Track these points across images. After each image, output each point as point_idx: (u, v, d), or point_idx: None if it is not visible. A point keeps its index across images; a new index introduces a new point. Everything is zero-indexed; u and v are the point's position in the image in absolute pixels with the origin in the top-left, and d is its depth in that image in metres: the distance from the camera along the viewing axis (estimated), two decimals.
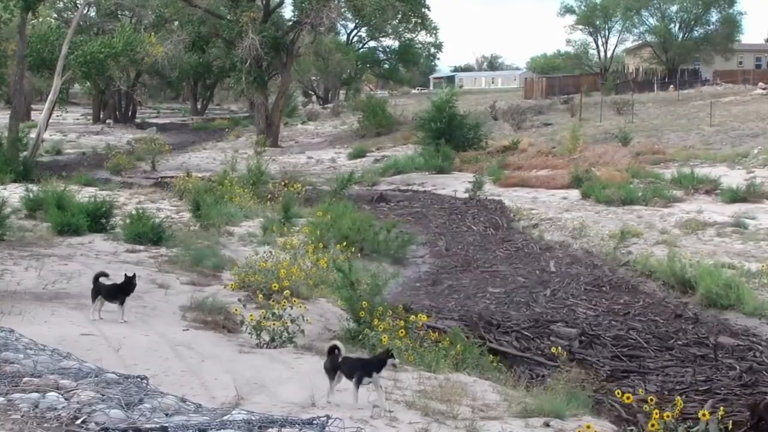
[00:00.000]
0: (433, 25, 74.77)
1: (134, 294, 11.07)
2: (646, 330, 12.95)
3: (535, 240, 21.42)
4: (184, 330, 9.99)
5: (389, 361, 7.42)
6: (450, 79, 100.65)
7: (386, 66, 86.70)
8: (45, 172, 31.13)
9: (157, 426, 4.29)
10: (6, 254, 13.78)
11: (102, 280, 10.27)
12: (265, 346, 9.63)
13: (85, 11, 45.62)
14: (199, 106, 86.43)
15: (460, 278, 17.35)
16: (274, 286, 11.55)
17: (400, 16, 67.05)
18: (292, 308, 10.09)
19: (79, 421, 4.32)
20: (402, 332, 9.97)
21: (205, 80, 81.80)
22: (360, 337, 10.14)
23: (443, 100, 41.97)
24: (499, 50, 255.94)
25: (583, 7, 78.08)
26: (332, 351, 7.54)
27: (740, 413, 9.07)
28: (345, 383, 7.46)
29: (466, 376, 9.09)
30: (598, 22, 78.28)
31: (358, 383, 7.29)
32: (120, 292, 10.18)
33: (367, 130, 52.72)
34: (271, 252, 15.04)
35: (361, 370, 7.34)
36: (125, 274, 10.38)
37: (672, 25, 75.60)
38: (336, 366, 7.43)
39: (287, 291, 10.92)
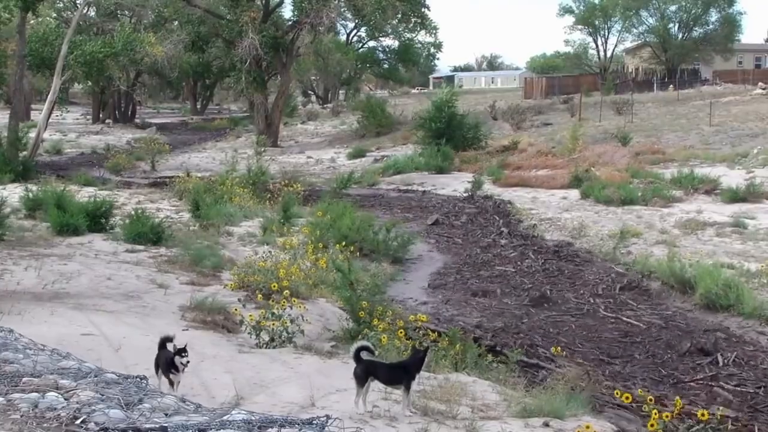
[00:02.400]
0: (432, 25, 74.70)
1: (134, 294, 11.10)
2: None
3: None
4: (183, 330, 9.99)
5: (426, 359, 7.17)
6: (450, 79, 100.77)
7: (386, 66, 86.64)
8: (44, 171, 31.15)
9: (157, 426, 4.28)
10: (6, 254, 13.78)
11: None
12: (264, 346, 9.64)
13: (84, 11, 45.58)
14: (198, 106, 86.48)
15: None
16: (274, 286, 11.56)
17: (399, 15, 66.96)
18: (291, 308, 10.10)
19: (78, 421, 4.32)
20: (401, 332, 9.96)
21: (205, 80, 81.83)
22: (359, 337, 10.13)
23: (443, 100, 41.93)
24: (499, 50, 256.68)
25: (581, 8, 78.12)
26: (359, 355, 6.92)
27: None
28: (344, 383, 7.44)
29: (466, 376, 9.08)
30: (597, 22, 78.30)
31: (408, 389, 6.97)
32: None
33: (366, 129, 52.68)
34: (270, 252, 15.03)
35: (408, 375, 6.96)
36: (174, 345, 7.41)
37: (671, 25, 75.67)
38: (369, 372, 6.91)
39: (287, 291, 10.92)
